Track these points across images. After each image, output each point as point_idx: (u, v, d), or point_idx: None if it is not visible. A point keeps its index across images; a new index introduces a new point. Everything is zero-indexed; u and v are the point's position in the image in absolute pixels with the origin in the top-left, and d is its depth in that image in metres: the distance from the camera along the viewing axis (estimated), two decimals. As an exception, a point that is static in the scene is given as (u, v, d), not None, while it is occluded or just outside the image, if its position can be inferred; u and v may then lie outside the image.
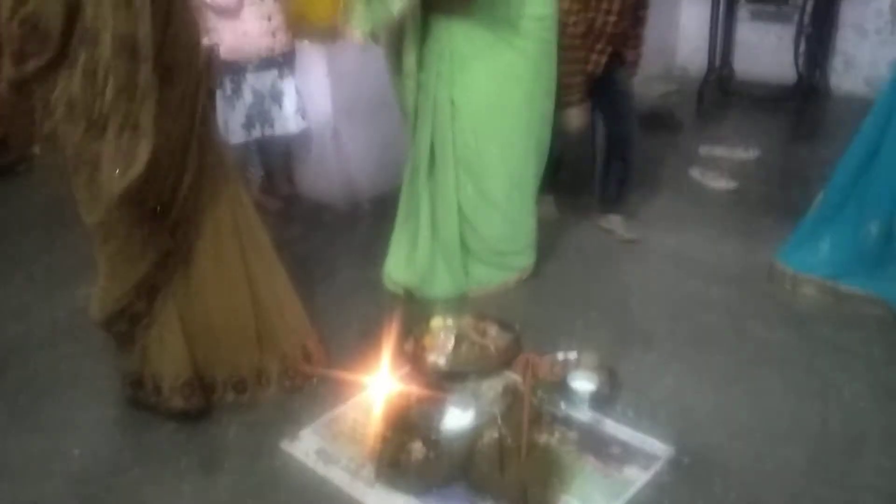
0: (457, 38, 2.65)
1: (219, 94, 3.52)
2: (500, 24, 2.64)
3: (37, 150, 4.39)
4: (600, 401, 2.32)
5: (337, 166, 3.67)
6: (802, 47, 4.97)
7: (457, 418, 2.14)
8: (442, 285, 2.91)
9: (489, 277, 2.98)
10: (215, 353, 2.33)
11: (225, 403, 2.35)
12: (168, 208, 2.16)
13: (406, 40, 2.69)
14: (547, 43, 2.75)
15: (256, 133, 3.46)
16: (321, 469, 2.12)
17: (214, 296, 2.29)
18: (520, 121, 2.78)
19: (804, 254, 2.90)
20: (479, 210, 2.84)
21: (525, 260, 3.04)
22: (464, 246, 2.91)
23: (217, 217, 2.27)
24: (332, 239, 3.39)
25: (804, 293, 2.86)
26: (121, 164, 2.03)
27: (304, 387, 2.43)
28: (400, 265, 2.97)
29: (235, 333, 2.34)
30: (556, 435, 2.19)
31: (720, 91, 5.26)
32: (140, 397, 2.33)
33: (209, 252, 2.27)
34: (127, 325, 2.26)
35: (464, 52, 2.67)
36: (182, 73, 2.09)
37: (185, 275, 2.25)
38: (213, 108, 2.28)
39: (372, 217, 3.66)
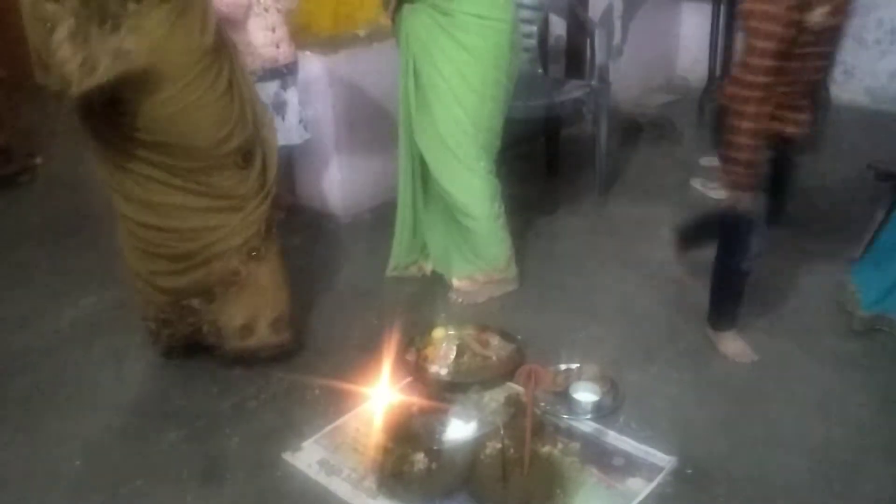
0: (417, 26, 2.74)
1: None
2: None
3: (39, 160, 4.42)
4: (603, 412, 2.32)
5: (338, 176, 3.68)
6: (802, 58, 4.99)
7: (459, 429, 2.14)
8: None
9: (468, 269, 2.99)
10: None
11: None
12: (252, 158, 2.35)
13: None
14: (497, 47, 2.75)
15: None
16: (323, 480, 2.11)
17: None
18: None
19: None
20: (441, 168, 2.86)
21: (499, 253, 2.98)
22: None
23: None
24: (333, 249, 3.39)
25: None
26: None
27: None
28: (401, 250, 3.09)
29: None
30: (559, 446, 2.19)
31: (720, 101, 5.26)
32: (238, 346, 2.49)
33: None
34: (251, 264, 2.41)
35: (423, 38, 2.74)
36: None
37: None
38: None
39: (373, 227, 3.67)
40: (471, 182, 2.84)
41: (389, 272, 3.14)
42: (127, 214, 2.44)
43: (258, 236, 2.42)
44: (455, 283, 3.02)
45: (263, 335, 2.50)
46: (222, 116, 2.28)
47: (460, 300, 2.98)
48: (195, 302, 2.46)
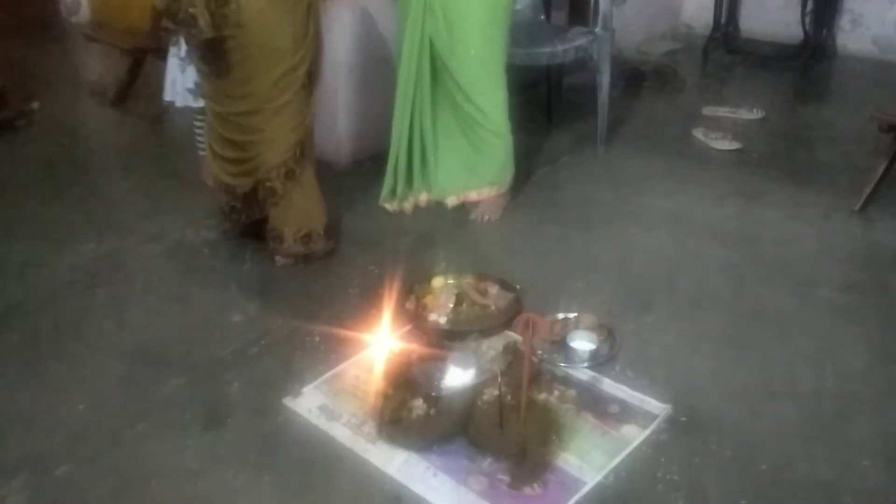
0: None
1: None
2: None
3: (36, 105, 4.38)
4: (599, 360, 2.34)
5: (337, 123, 3.65)
6: (809, 6, 4.91)
7: (457, 376, 2.16)
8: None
9: (465, 184, 3.19)
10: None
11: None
12: (315, 78, 2.70)
13: None
14: None
15: None
16: (323, 425, 2.14)
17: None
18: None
19: None
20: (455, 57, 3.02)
21: (511, 167, 3.18)
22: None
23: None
24: (332, 196, 3.37)
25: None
26: None
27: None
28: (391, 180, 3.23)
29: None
30: (556, 393, 2.22)
31: (725, 50, 5.20)
32: (280, 249, 2.84)
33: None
34: (266, 194, 2.75)
35: None
36: None
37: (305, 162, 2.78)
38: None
39: (373, 174, 3.65)
40: (500, 96, 3.07)
41: (382, 201, 3.25)
42: (210, 120, 2.84)
43: (294, 159, 2.72)
44: (475, 195, 3.19)
45: (290, 245, 2.83)
46: (297, 35, 2.59)
47: (486, 217, 3.17)
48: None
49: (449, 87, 3.07)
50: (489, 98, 3.06)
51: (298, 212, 2.80)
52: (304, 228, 2.82)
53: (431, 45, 3.01)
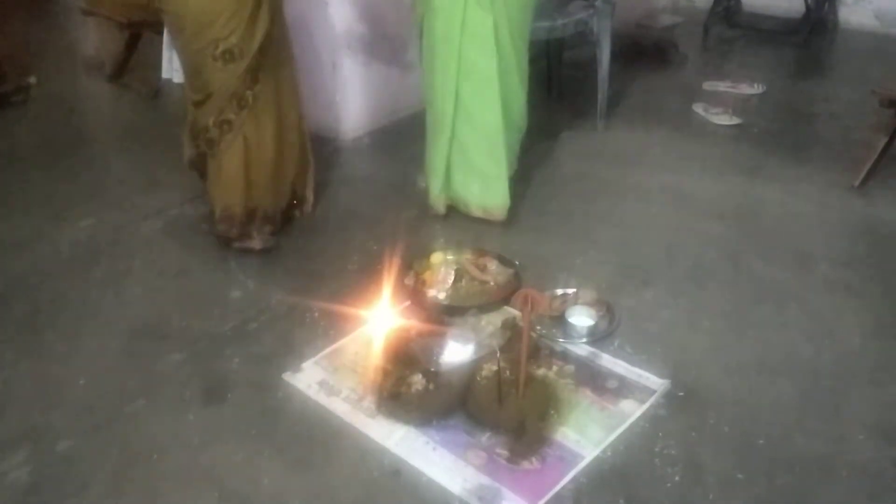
0: None
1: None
2: None
3: (33, 80, 4.36)
4: (598, 335, 2.35)
5: (336, 99, 3.63)
6: (812, -21, 4.87)
7: (456, 352, 2.17)
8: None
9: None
10: (263, 192, 2.79)
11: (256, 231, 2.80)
12: (238, 56, 2.56)
13: None
14: None
15: None
16: (323, 400, 2.16)
17: (275, 144, 2.76)
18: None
19: None
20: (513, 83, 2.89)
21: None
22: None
23: (282, 75, 2.75)
24: (331, 173, 3.37)
25: None
26: None
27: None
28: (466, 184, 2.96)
29: (282, 182, 2.87)
30: (554, 368, 2.23)
31: (726, 24, 5.16)
32: (209, 221, 2.85)
33: (274, 103, 2.72)
34: (206, 145, 2.71)
35: None
36: None
37: (255, 121, 2.69)
38: None
39: (372, 151, 3.65)
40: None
41: (434, 201, 3.00)
42: None
43: (232, 106, 2.64)
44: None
45: (215, 225, 2.81)
46: (217, 3, 2.51)
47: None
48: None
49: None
50: (521, 96, 2.94)
51: (221, 187, 2.76)
52: (227, 207, 2.76)
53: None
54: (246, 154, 2.71)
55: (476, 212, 2.98)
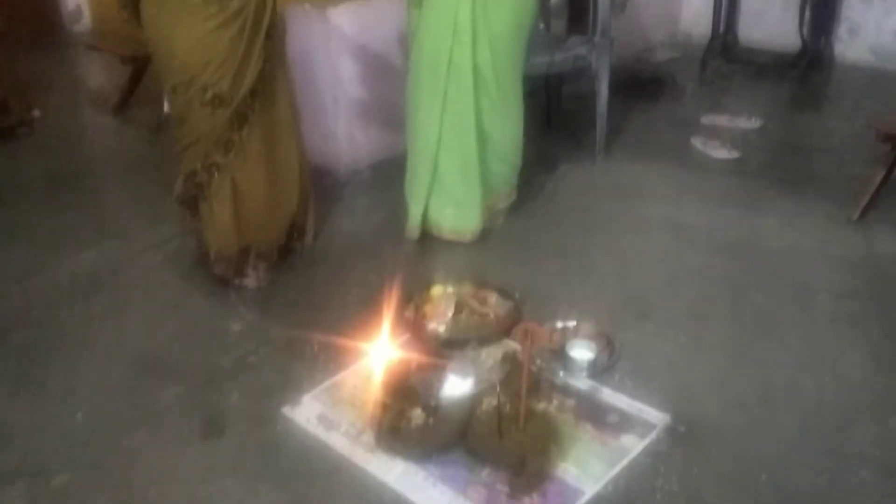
0: None
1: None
2: None
3: (37, 113, 4.39)
4: (598, 369, 2.34)
5: (337, 133, 3.66)
6: (807, 14, 4.93)
7: (456, 385, 2.16)
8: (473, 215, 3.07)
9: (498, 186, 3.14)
10: (256, 232, 2.79)
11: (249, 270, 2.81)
12: (226, 102, 2.54)
13: None
14: None
15: None
16: (322, 435, 2.14)
17: (265, 186, 2.74)
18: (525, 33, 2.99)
19: None
20: (497, 118, 2.98)
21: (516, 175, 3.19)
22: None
23: (277, 115, 2.73)
24: (332, 205, 3.39)
25: None
26: None
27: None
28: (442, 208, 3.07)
29: (277, 219, 2.86)
30: (555, 402, 2.22)
31: (724, 58, 5.22)
32: (203, 261, 2.84)
33: (267, 146, 2.71)
34: (195, 189, 2.70)
35: None
36: None
37: (244, 163, 2.67)
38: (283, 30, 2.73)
39: (372, 184, 3.66)
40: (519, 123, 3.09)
41: (409, 232, 3.09)
42: None
43: (220, 150, 2.63)
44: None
45: (212, 264, 2.80)
46: (207, 50, 2.48)
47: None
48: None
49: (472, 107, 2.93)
50: (519, 124, 3.05)
51: (213, 230, 2.75)
52: (221, 250, 2.75)
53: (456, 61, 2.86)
54: (235, 196, 2.70)
55: (448, 234, 3.10)
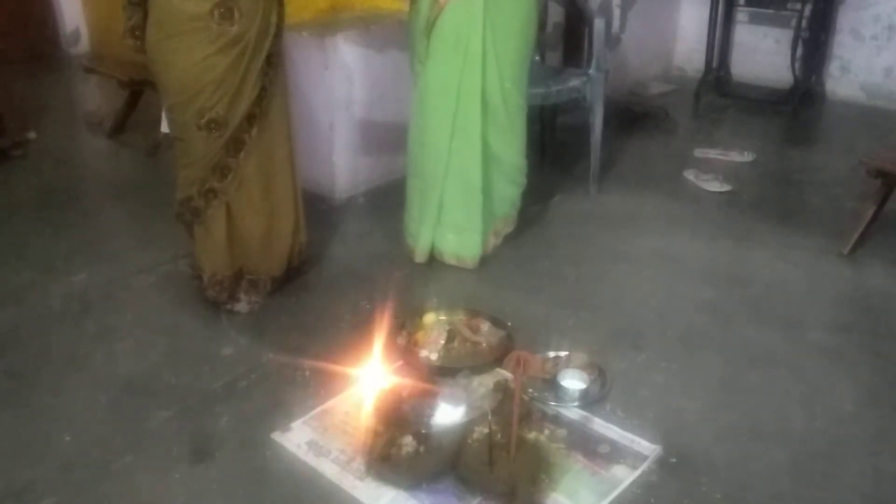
0: None
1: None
2: None
3: (32, 135, 4.40)
4: (590, 399, 2.34)
5: (333, 158, 3.68)
6: (799, 51, 5.00)
7: (447, 413, 2.16)
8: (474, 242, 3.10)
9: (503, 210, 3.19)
10: (250, 258, 2.79)
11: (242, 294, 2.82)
12: (222, 126, 2.55)
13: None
14: None
15: None
16: (312, 461, 2.13)
17: (260, 212, 2.74)
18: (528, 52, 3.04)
19: None
20: (506, 141, 3.04)
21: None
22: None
23: (274, 143, 2.72)
24: (325, 231, 3.39)
25: None
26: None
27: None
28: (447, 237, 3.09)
29: (272, 247, 2.83)
30: (546, 432, 2.21)
31: (717, 92, 5.28)
32: (197, 284, 2.84)
33: (263, 172, 2.71)
34: (190, 214, 2.70)
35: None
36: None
37: (240, 189, 2.68)
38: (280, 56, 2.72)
39: (367, 210, 3.68)
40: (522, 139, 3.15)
41: (420, 258, 3.12)
42: None
43: (216, 175, 2.64)
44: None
45: (206, 288, 2.80)
46: (204, 73, 2.49)
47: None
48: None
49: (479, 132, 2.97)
50: (521, 143, 3.11)
51: (208, 254, 2.75)
52: (215, 273, 2.76)
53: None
54: (230, 221, 2.71)
55: (450, 260, 3.12)
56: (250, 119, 2.62)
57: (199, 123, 2.54)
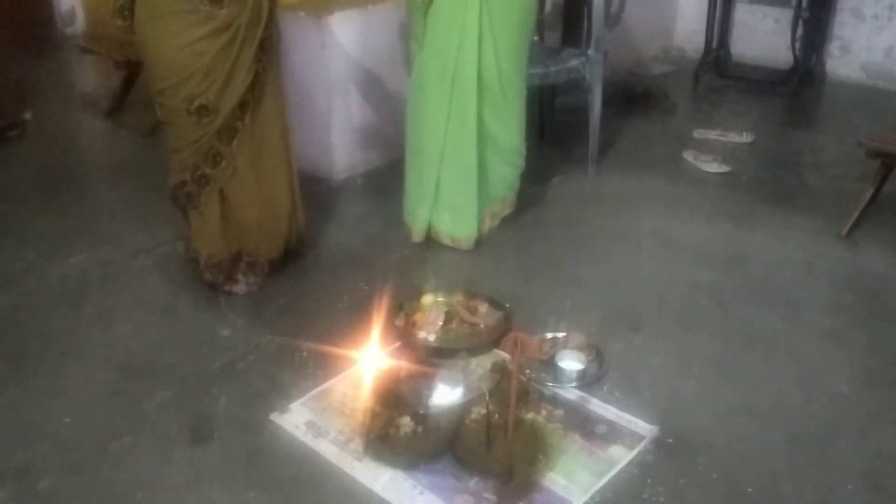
0: None
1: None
2: None
3: (29, 115, 4.38)
4: (587, 380, 2.35)
5: (330, 139, 3.67)
6: (799, 31, 4.97)
7: (445, 394, 2.17)
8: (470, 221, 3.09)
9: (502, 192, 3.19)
10: (247, 241, 2.77)
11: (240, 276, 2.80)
12: (212, 112, 2.51)
13: None
14: None
15: None
16: (310, 441, 2.14)
17: (255, 198, 2.72)
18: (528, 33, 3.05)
19: None
20: (503, 122, 3.03)
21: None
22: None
23: (267, 131, 2.69)
24: (323, 212, 3.39)
25: None
26: None
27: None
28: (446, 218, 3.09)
29: (268, 233, 2.81)
30: (543, 413, 2.22)
31: (717, 73, 5.25)
32: (193, 267, 2.81)
33: (257, 159, 2.69)
34: (184, 199, 2.69)
35: None
36: None
37: (234, 176, 2.65)
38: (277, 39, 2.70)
39: (364, 191, 3.67)
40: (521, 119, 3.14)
41: (418, 237, 3.13)
42: None
43: (208, 162, 2.62)
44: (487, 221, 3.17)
45: (203, 271, 2.78)
46: (194, 58, 2.45)
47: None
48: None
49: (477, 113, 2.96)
50: (520, 122, 3.09)
51: (204, 238, 2.74)
52: (211, 256, 2.74)
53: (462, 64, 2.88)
54: (224, 207, 2.69)
55: (445, 240, 3.12)
56: (243, 106, 2.59)
57: (189, 109, 2.51)
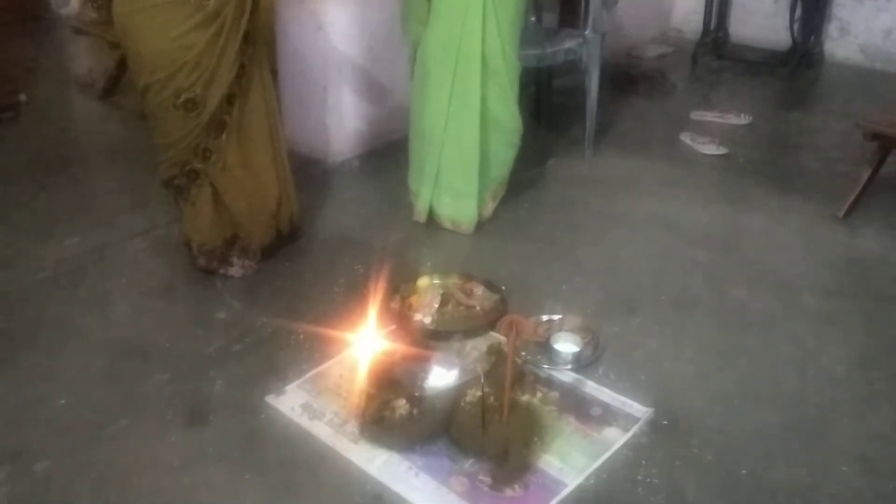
0: None
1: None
2: None
3: (23, 97, 4.35)
4: (583, 362, 2.35)
5: (326, 121, 3.65)
6: (798, 13, 4.95)
7: (441, 376, 2.17)
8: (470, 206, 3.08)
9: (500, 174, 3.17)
10: (239, 227, 2.76)
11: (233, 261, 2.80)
12: (200, 105, 2.48)
13: None
14: None
15: None
16: (306, 423, 2.14)
17: (244, 189, 2.71)
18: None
19: None
20: (506, 103, 3.01)
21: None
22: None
23: (255, 124, 2.67)
24: (319, 195, 3.38)
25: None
26: None
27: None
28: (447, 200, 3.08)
29: (257, 218, 2.79)
30: (539, 395, 2.22)
31: (715, 55, 5.23)
32: (186, 252, 2.80)
33: (246, 152, 2.67)
34: (175, 191, 2.69)
35: None
36: None
37: (224, 169, 2.64)
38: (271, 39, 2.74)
39: (360, 173, 3.66)
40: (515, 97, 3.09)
41: (419, 217, 3.13)
42: None
43: (197, 157, 2.60)
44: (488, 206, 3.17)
45: (195, 257, 2.77)
46: (180, 52, 2.41)
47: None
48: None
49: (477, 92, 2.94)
50: (514, 103, 3.06)
51: (195, 227, 2.72)
52: (203, 243, 2.73)
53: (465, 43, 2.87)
54: (215, 198, 2.68)
55: (446, 223, 3.11)
56: (230, 99, 2.56)
57: (176, 103, 2.47)
